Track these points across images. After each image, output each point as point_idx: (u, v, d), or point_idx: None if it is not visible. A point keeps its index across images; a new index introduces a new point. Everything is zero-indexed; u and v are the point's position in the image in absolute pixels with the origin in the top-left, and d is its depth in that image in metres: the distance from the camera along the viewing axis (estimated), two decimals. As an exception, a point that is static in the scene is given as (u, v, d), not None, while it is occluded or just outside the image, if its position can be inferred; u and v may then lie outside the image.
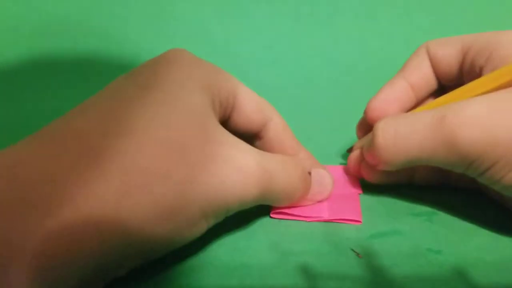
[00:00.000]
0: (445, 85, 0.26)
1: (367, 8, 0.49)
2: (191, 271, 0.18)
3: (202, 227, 0.18)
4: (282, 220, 0.22)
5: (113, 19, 0.48)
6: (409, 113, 0.22)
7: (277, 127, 0.23)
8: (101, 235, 0.14)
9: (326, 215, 0.22)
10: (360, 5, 0.49)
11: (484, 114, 0.18)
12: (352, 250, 0.20)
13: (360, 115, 0.27)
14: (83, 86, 0.42)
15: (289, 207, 0.22)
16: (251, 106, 0.22)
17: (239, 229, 0.21)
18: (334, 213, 0.22)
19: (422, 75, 0.25)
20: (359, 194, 0.25)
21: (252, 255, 0.20)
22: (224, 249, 0.20)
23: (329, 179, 0.23)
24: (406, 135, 0.20)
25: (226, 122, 0.22)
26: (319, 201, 0.23)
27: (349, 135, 0.29)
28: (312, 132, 0.32)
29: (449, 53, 0.24)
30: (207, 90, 0.20)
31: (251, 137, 0.24)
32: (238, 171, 0.18)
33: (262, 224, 0.22)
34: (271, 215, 0.22)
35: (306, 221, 0.22)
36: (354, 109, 0.29)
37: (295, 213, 0.22)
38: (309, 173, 0.23)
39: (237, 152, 0.18)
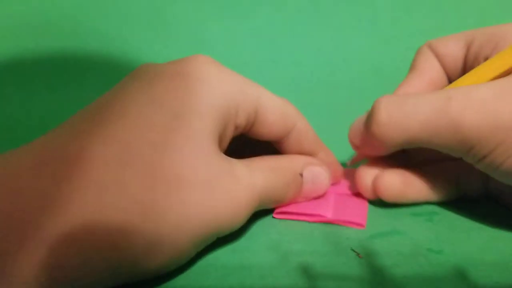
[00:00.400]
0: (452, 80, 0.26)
1: (368, 8, 0.49)
2: (190, 271, 0.18)
3: (190, 255, 0.18)
4: (282, 220, 0.22)
5: (112, 20, 0.48)
6: (410, 93, 0.21)
7: (299, 134, 0.23)
8: (87, 259, 0.15)
9: (329, 215, 0.22)
10: (361, 5, 0.49)
11: (490, 99, 0.19)
12: (352, 250, 0.20)
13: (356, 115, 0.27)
14: (81, 86, 0.43)
15: (291, 206, 0.22)
16: (273, 118, 0.21)
17: (238, 229, 0.21)
18: (338, 214, 0.22)
19: (436, 72, 0.25)
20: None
21: (252, 255, 0.20)
22: (224, 249, 0.20)
23: (324, 176, 0.23)
24: (409, 113, 0.20)
25: (248, 132, 0.22)
26: (324, 199, 0.23)
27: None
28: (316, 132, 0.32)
29: (453, 48, 0.24)
30: (221, 111, 0.19)
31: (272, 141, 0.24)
32: (231, 201, 0.18)
33: (262, 224, 0.22)
34: (274, 216, 0.22)
35: (309, 221, 0.22)
36: (354, 109, 0.29)
37: (299, 212, 0.22)
38: (301, 174, 0.22)
39: (231, 180, 0.18)
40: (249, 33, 0.48)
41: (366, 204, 0.24)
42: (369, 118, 0.21)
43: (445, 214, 0.23)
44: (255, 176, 0.20)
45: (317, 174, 0.23)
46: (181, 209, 0.16)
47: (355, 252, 0.20)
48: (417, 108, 0.20)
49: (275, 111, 0.21)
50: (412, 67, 0.26)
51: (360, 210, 0.23)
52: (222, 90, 0.19)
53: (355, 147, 0.24)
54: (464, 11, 0.48)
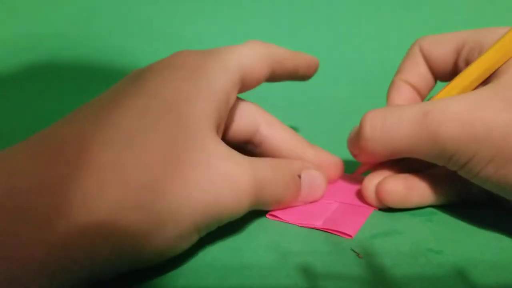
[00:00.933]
0: (442, 81, 0.26)
1: (367, 9, 0.49)
2: (190, 272, 0.18)
3: (194, 239, 0.18)
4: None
5: (110, 28, 0.48)
6: (395, 106, 0.22)
7: (280, 64, 0.24)
8: (93, 246, 0.15)
9: (319, 223, 0.22)
10: (360, 6, 0.49)
11: (462, 113, 0.20)
12: (352, 250, 0.20)
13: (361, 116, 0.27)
14: (80, 89, 0.43)
15: (285, 212, 0.22)
16: (258, 70, 0.23)
17: (238, 229, 0.21)
18: (329, 223, 0.22)
19: (420, 75, 0.25)
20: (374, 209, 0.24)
21: (252, 255, 0.20)
22: (223, 250, 0.20)
23: (321, 181, 0.23)
24: (392, 127, 0.21)
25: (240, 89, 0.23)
26: (325, 208, 0.23)
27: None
28: (313, 132, 0.32)
29: (444, 51, 0.25)
30: (213, 97, 0.20)
31: (248, 145, 0.25)
32: (232, 185, 0.18)
33: (261, 224, 0.22)
34: (267, 216, 0.22)
35: (298, 225, 0.22)
36: (355, 109, 0.29)
37: (287, 219, 0.22)
38: (299, 176, 0.22)
39: (231, 165, 0.19)
40: (247, 35, 0.48)
41: (368, 214, 0.23)
42: (356, 134, 0.23)
43: (445, 214, 0.23)
44: (256, 168, 0.20)
45: (314, 178, 0.23)
46: (181, 189, 0.17)
47: (355, 252, 0.20)
48: (398, 124, 0.21)
49: (256, 64, 0.23)
50: (399, 69, 0.26)
51: (356, 220, 0.22)
52: (207, 76, 0.20)
53: (354, 155, 0.24)
54: (465, 11, 0.48)
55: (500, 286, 0.18)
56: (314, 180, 0.23)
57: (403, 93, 0.25)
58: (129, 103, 0.18)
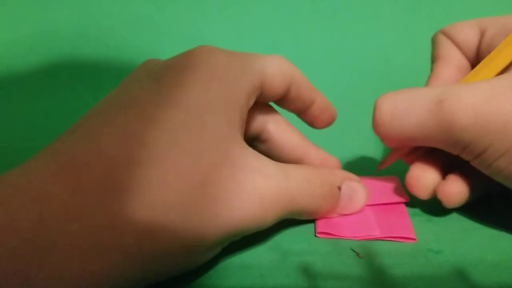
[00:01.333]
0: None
1: (368, 8, 0.49)
2: (190, 271, 0.18)
3: (216, 251, 0.18)
4: (282, 220, 0.22)
5: (111, 26, 0.48)
6: (409, 89, 0.21)
7: (297, 85, 0.23)
8: (120, 276, 0.15)
9: (377, 233, 0.21)
10: (361, 4, 0.49)
11: (478, 103, 0.19)
12: (352, 250, 0.20)
13: (362, 115, 0.27)
14: (82, 89, 0.43)
15: (333, 227, 0.21)
16: (277, 82, 0.22)
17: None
18: (385, 230, 0.21)
19: (460, 59, 0.25)
20: (405, 202, 0.24)
21: (252, 254, 0.20)
22: (224, 249, 0.20)
23: (362, 194, 0.22)
24: (403, 114, 0.21)
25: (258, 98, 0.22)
26: (363, 214, 0.22)
27: (351, 135, 0.29)
28: (314, 133, 0.31)
29: (467, 35, 0.24)
30: (237, 103, 0.19)
31: (254, 141, 0.24)
32: (261, 201, 0.18)
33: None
34: (317, 235, 0.21)
35: (356, 239, 0.21)
36: (356, 109, 0.29)
37: (343, 234, 0.21)
38: (339, 188, 0.22)
39: (260, 179, 0.18)
40: (248, 34, 0.48)
41: (406, 213, 0.23)
42: (372, 117, 0.22)
43: (445, 214, 0.23)
44: (289, 179, 0.19)
45: (355, 190, 0.22)
46: (208, 208, 0.16)
47: (355, 252, 0.20)
48: (411, 109, 0.20)
49: (277, 75, 0.21)
50: (436, 57, 0.26)
51: (403, 222, 0.22)
52: (230, 79, 0.19)
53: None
54: (465, 11, 0.48)
55: (500, 286, 0.18)
56: (354, 193, 0.22)
57: (442, 78, 0.25)
58: (153, 117, 0.17)
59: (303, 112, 0.24)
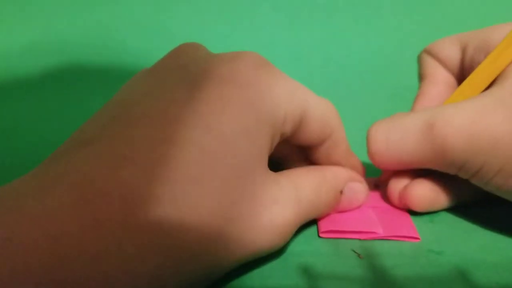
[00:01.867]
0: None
1: (366, 8, 0.49)
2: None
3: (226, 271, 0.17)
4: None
5: (113, 32, 0.48)
6: (399, 116, 0.22)
7: (332, 144, 0.21)
8: None
9: (381, 231, 0.21)
10: (359, 5, 0.49)
11: (469, 123, 0.19)
12: (353, 250, 0.20)
13: (361, 116, 0.27)
14: (83, 90, 0.43)
15: (336, 224, 0.21)
16: (316, 127, 0.20)
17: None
18: (388, 229, 0.21)
19: (446, 77, 0.25)
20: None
21: (252, 255, 0.19)
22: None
23: (361, 194, 0.23)
24: (397, 142, 0.21)
25: (289, 139, 0.20)
26: (365, 214, 0.22)
27: (353, 133, 0.29)
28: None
29: (449, 53, 0.25)
30: (271, 127, 0.18)
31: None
32: (276, 232, 0.17)
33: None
34: (320, 235, 0.21)
35: (360, 239, 0.21)
36: (356, 109, 0.29)
37: (347, 230, 0.21)
38: (341, 191, 0.22)
39: (277, 209, 0.17)
40: (249, 33, 0.48)
41: (408, 214, 0.23)
42: (367, 145, 0.22)
43: (446, 215, 0.23)
44: (300, 199, 0.19)
45: (356, 192, 0.22)
46: (223, 245, 0.16)
47: (356, 252, 0.20)
48: (403, 138, 0.21)
49: (318, 121, 0.20)
50: (422, 76, 0.26)
51: (405, 222, 0.22)
52: (271, 101, 0.18)
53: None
54: (465, 11, 0.48)
55: (501, 286, 0.18)
56: (356, 194, 0.22)
57: (430, 96, 0.25)
58: (182, 141, 0.15)
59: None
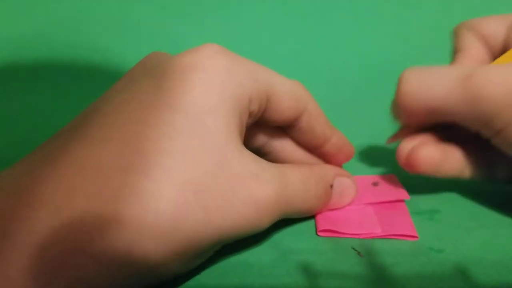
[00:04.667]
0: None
1: (368, 6, 0.49)
2: (190, 271, 0.18)
3: (207, 256, 0.18)
4: (282, 218, 0.22)
5: (101, 27, 0.48)
6: (436, 66, 0.22)
7: (309, 117, 0.22)
8: (110, 273, 0.15)
9: (379, 231, 0.21)
10: (361, 4, 0.49)
11: (507, 77, 0.19)
12: (353, 248, 0.20)
13: (363, 114, 0.27)
14: (75, 89, 0.43)
15: (334, 223, 0.21)
16: (286, 103, 0.21)
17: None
18: (386, 228, 0.21)
19: (482, 52, 0.25)
20: (405, 200, 0.24)
21: (252, 253, 0.20)
22: (224, 248, 0.20)
23: (351, 189, 0.23)
24: (431, 84, 0.21)
25: (260, 118, 0.21)
26: (364, 212, 0.22)
27: (352, 133, 0.29)
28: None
29: (495, 30, 0.24)
30: (237, 106, 0.18)
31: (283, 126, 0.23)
32: (254, 206, 0.17)
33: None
34: (318, 234, 0.21)
35: (359, 238, 0.21)
36: (356, 108, 0.29)
37: (345, 231, 0.21)
38: (331, 185, 0.22)
39: (256, 184, 0.18)
40: (246, 33, 0.48)
41: (407, 210, 0.23)
42: (397, 87, 0.22)
43: (446, 212, 0.23)
44: (284, 183, 0.19)
45: (346, 186, 0.23)
46: (200, 216, 0.16)
47: (356, 250, 0.20)
48: (438, 81, 0.21)
49: (287, 96, 0.20)
50: (458, 48, 0.26)
51: (404, 220, 0.22)
52: (233, 81, 0.18)
53: (395, 117, 0.24)
54: (466, 9, 0.48)
55: (501, 285, 0.18)
56: (345, 189, 0.23)
57: (472, 59, 0.25)
58: (145, 118, 0.17)
59: (316, 149, 0.23)
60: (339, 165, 0.24)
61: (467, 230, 0.21)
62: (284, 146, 0.23)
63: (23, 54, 0.47)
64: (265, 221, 0.18)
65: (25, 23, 0.49)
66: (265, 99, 0.20)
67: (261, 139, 0.23)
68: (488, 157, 0.22)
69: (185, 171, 0.16)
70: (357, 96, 0.41)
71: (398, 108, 0.22)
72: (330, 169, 0.22)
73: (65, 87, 0.44)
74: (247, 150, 0.19)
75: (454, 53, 0.26)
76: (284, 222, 0.22)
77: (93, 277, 0.14)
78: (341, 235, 0.21)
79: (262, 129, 0.23)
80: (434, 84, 0.21)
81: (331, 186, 0.22)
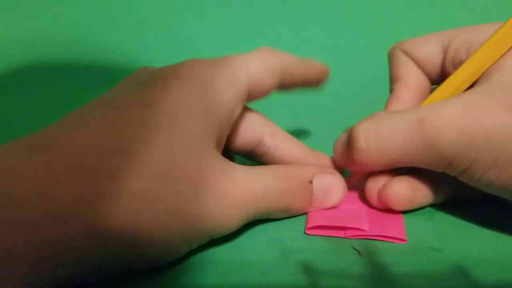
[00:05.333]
0: (432, 84, 0.25)
1: (367, 5, 0.49)
2: (191, 269, 0.18)
3: (182, 251, 0.18)
4: (282, 217, 0.22)
5: (107, 29, 0.49)
6: (387, 113, 0.21)
7: (289, 74, 0.23)
8: (84, 246, 0.15)
9: (366, 228, 0.21)
10: (361, 3, 0.49)
11: (460, 116, 0.19)
12: (353, 248, 0.20)
13: (362, 115, 0.27)
14: (78, 89, 0.43)
15: (322, 219, 0.21)
16: (266, 82, 0.22)
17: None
18: (376, 228, 0.21)
19: (420, 81, 0.25)
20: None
21: (252, 252, 0.20)
22: (224, 247, 0.20)
23: (338, 185, 0.22)
24: (386, 138, 0.21)
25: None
26: (356, 212, 0.22)
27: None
28: (314, 130, 0.31)
29: (430, 53, 0.24)
30: (216, 112, 0.20)
31: (252, 155, 0.24)
32: (224, 200, 0.18)
33: (262, 221, 0.22)
34: (307, 232, 0.21)
35: (344, 237, 0.21)
36: (355, 107, 0.29)
37: (333, 225, 0.21)
38: (311, 182, 0.22)
39: (225, 180, 0.18)
40: (247, 33, 0.48)
41: (401, 214, 0.23)
42: (350, 144, 0.22)
43: (446, 212, 0.23)
44: (254, 180, 0.19)
45: (329, 182, 0.22)
46: (171, 201, 0.17)
47: (356, 250, 0.20)
48: (392, 134, 0.20)
49: (265, 75, 0.22)
50: (395, 78, 0.25)
51: (395, 223, 0.22)
52: (214, 89, 0.20)
53: (344, 167, 0.23)
54: (464, 10, 0.48)
55: (501, 284, 0.18)
56: (329, 185, 0.22)
57: (404, 101, 0.24)
58: (127, 112, 0.18)
59: (301, 87, 0.25)
60: (320, 85, 0.26)
61: (467, 230, 0.21)
62: (277, 146, 0.24)
63: (24, 55, 0.47)
64: (236, 217, 0.19)
65: (27, 24, 0.49)
66: (247, 92, 0.21)
67: (253, 138, 0.24)
68: (455, 178, 0.21)
69: (160, 159, 0.17)
70: (358, 95, 0.41)
71: (354, 164, 0.22)
72: (308, 167, 0.22)
73: (66, 87, 0.44)
74: (219, 154, 0.20)
75: (392, 81, 0.26)
76: (284, 221, 0.22)
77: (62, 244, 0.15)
78: (328, 232, 0.21)
79: (252, 128, 0.23)
80: (390, 136, 0.20)
81: (311, 182, 0.22)
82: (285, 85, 0.24)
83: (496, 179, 0.19)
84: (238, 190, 0.19)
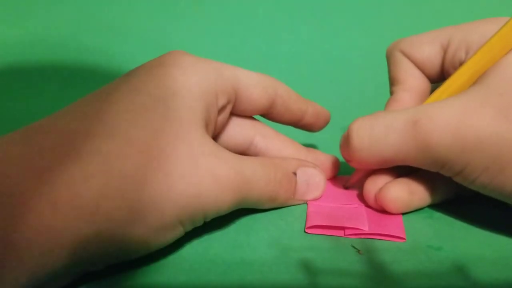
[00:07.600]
0: (432, 83, 0.25)
1: (366, 6, 0.49)
2: (191, 268, 0.19)
3: (178, 232, 0.18)
4: (282, 216, 0.22)
5: (101, 30, 0.49)
6: (383, 113, 0.21)
7: (282, 99, 0.24)
8: (77, 230, 0.15)
9: (366, 228, 0.21)
10: (359, 3, 0.49)
11: (454, 120, 0.19)
12: (353, 246, 0.20)
13: (362, 114, 0.27)
14: (75, 88, 0.43)
15: (323, 219, 0.21)
16: (255, 93, 0.23)
17: (238, 225, 0.22)
18: (375, 227, 0.21)
19: (420, 82, 0.24)
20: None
21: (252, 251, 0.20)
22: (224, 246, 0.20)
23: (319, 178, 0.23)
24: (380, 137, 0.21)
25: (234, 110, 0.23)
26: (356, 211, 0.22)
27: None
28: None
29: (429, 53, 0.24)
30: (202, 95, 0.20)
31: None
32: (215, 180, 0.18)
33: (262, 221, 0.22)
34: (306, 231, 0.21)
35: (342, 236, 0.21)
36: (354, 106, 0.29)
37: (331, 224, 0.21)
38: (295, 174, 0.22)
39: (216, 161, 0.19)
40: (248, 33, 0.48)
41: (400, 214, 0.23)
42: (345, 142, 0.22)
43: (445, 211, 0.23)
44: (244, 164, 0.20)
45: (311, 175, 0.23)
46: (163, 180, 0.17)
47: (356, 248, 0.20)
48: (386, 134, 0.20)
49: (255, 86, 0.23)
50: (395, 80, 0.25)
51: (394, 221, 0.22)
52: (198, 75, 0.20)
53: (347, 161, 0.23)
54: (464, 9, 0.48)
55: (500, 282, 0.18)
56: (311, 178, 0.23)
57: (404, 104, 0.24)
58: (115, 99, 0.19)
59: (297, 123, 0.26)
60: (319, 130, 0.27)
61: (466, 228, 0.21)
62: (268, 146, 0.24)
63: (24, 56, 0.47)
64: (227, 197, 0.19)
65: (26, 25, 0.49)
66: (233, 93, 0.22)
67: (244, 139, 0.24)
68: (451, 179, 0.21)
69: (146, 139, 0.17)
70: (358, 95, 0.41)
71: (350, 162, 0.23)
72: (292, 160, 0.23)
73: (66, 88, 0.44)
74: (209, 136, 0.20)
75: (391, 83, 0.25)
76: (283, 219, 0.22)
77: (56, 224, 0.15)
78: (327, 231, 0.21)
79: (242, 130, 0.24)
80: (384, 136, 0.20)
81: (295, 174, 0.22)
82: (278, 112, 0.24)
83: (489, 183, 0.19)
84: (227, 170, 0.19)
